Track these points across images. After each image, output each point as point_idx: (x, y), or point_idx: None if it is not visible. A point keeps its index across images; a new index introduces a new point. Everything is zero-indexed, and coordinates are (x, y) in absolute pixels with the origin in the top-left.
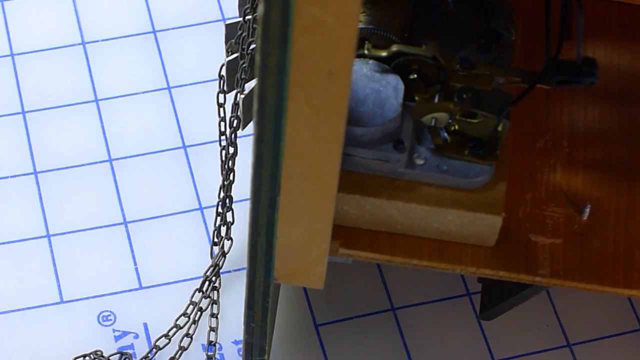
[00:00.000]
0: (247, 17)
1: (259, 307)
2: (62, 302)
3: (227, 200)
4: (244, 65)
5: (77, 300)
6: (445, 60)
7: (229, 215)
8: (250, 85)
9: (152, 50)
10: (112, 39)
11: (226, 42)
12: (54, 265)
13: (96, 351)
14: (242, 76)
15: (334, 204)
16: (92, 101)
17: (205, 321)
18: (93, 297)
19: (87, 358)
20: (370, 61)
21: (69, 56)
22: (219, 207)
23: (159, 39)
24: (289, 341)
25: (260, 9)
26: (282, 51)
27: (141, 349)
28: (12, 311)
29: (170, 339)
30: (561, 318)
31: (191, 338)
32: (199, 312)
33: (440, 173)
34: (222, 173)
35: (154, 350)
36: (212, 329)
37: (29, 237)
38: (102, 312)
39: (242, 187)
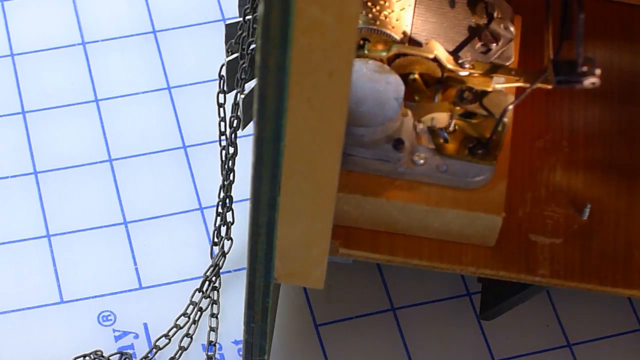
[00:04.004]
0: (247, 17)
1: (259, 307)
2: (62, 302)
3: (227, 200)
4: (244, 65)
5: (77, 300)
6: (445, 60)
7: (229, 215)
8: (250, 85)
9: (152, 50)
10: (112, 39)
11: (226, 42)
12: (54, 265)
13: (96, 351)
14: (242, 76)
15: (334, 204)
16: (92, 101)
17: (205, 321)
18: (93, 297)
19: (87, 358)
20: (370, 61)
21: (69, 56)
22: (219, 207)
23: (159, 39)
24: (289, 341)
25: (260, 9)
26: (282, 51)
27: (141, 349)
28: (12, 311)
29: (170, 339)
30: (561, 318)
31: (191, 338)
32: (199, 312)
33: (440, 173)
34: (222, 173)
35: (154, 350)
36: (212, 329)
37: (29, 237)
38: (102, 312)
39: (242, 187)
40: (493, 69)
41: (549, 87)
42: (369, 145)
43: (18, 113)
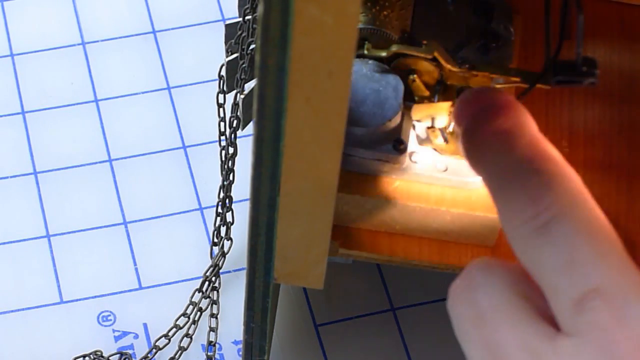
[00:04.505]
0: (247, 17)
1: (258, 307)
2: (62, 302)
3: (227, 201)
4: (244, 65)
5: (77, 300)
6: (445, 60)
7: (228, 215)
8: (250, 85)
9: (152, 50)
10: (112, 39)
11: (226, 42)
12: (54, 265)
13: (96, 351)
14: (242, 76)
15: (334, 204)
16: (92, 101)
17: (205, 321)
18: (93, 297)
19: (87, 358)
20: (370, 61)
21: (69, 56)
22: (219, 208)
23: (159, 39)
24: (289, 341)
25: (260, 9)
26: (282, 51)
27: (141, 349)
28: (12, 311)
29: (170, 339)
30: None
31: (191, 338)
32: (198, 312)
33: (440, 173)
34: (222, 173)
35: (154, 350)
36: (212, 329)
37: (29, 237)
38: (102, 312)
39: (242, 187)
40: (493, 69)
41: (549, 87)
42: (369, 146)
43: (18, 113)
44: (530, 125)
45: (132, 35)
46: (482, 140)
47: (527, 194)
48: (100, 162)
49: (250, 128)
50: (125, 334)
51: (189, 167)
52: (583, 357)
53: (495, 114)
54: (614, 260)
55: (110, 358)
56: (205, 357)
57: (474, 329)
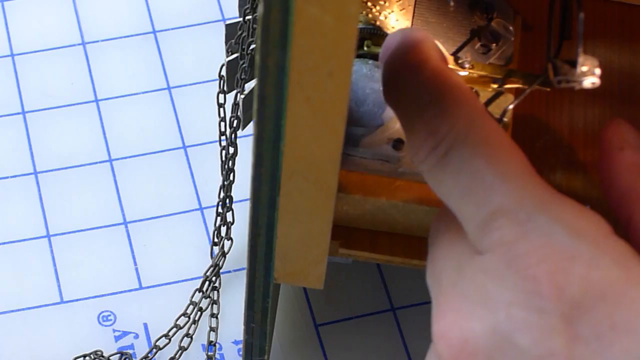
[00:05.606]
0: (247, 17)
1: (259, 307)
2: (62, 302)
3: (227, 201)
4: (244, 65)
5: (77, 300)
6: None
7: (229, 215)
8: (250, 85)
9: (152, 50)
10: (112, 39)
11: (226, 42)
12: (54, 265)
13: (96, 351)
14: (242, 76)
15: (334, 204)
16: (92, 101)
17: (205, 321)
18: (93, 297)
19: (87, 358)
20: (370, 61)
21: (69, 56)
22: (219, 207)
23: (159, 39)
24: (289, 341)
25: (260, 9)
26: (282, 51)
27: (141, 349)
28: (12, 311)
29: (170, 339)
30: None
31: (191, 338)
32: (199, 312)
33: None
34: (222, 173)
35: (154, 350)
36: (212, 329)
37: (29, 237)
38: (102, 312)
39: (242, 187)
40: (493, 70)
41: (548, 89)
42: (369, 145)
43: (18, 113)
44: (433, 57)
45: (132, 35)
46: (389, 77)
47: (426, 125)
48: (100, 162)
49: (250, 128)
50: (125, 333)
51: (189, 167)
52: (492, 271)
53: (403, 51)
54: (515, 178)
55: (110, 358)
56: (205, 357)
57: (428, 260)
